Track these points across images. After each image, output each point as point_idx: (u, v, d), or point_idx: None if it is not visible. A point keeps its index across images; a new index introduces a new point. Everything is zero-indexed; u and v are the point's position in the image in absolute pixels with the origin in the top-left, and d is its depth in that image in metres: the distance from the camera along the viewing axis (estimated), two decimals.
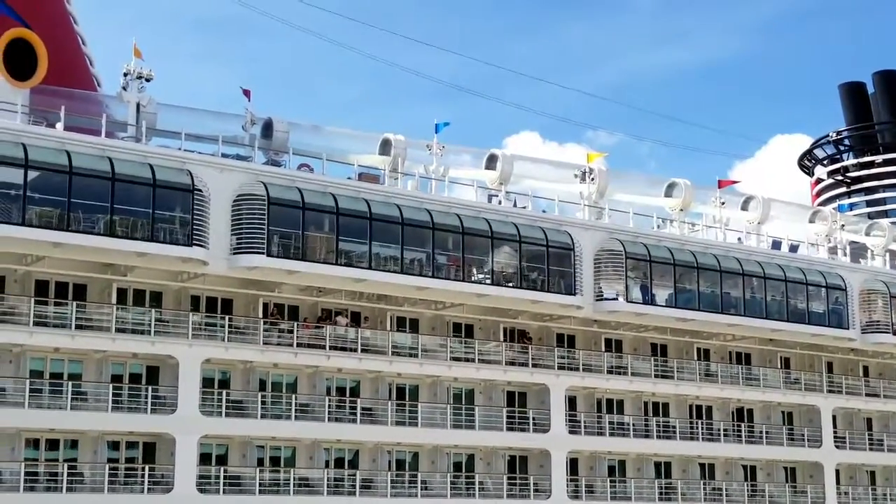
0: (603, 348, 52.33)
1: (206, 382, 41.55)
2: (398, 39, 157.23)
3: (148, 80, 41.50)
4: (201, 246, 39.59)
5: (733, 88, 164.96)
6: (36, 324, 37.93)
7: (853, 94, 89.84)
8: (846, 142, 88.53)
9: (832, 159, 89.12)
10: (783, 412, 58.33)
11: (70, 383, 38.64)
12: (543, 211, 51.02)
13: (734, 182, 59.68)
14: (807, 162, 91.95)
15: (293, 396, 43.42)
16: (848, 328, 57.79)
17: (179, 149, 41.07)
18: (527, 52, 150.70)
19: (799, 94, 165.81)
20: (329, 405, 43.71)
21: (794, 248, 59.36)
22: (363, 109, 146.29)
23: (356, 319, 46.16)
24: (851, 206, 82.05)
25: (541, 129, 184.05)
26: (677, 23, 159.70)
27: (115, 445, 40.11)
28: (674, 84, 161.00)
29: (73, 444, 39.45)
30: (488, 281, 46.87)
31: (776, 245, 58.67)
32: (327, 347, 43.76)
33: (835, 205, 79.74)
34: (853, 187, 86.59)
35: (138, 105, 41.75)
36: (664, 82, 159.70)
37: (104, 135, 39.61)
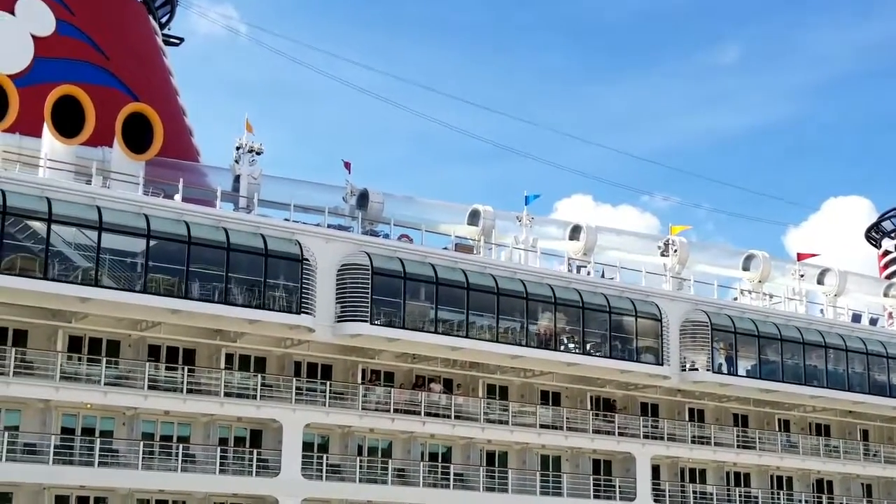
0: (687, 418, 52.77)
1: (306, 446, 42.38)
2: (446, 101, 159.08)
3: (259, 154, 43.13)
4: (308, 314, 40.79)
5: (782, 152, 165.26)
6: (149, 388, 39.13)
7: None
8: None
9: None
10: (863, 484, 58.34)
11: (180, 446, 39.71)
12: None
13: (814, 255, 60.06)
14: (874, 234, 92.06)
15: (388, 461, 44.19)
16: None
17: (286, 219, 42.45)
18: (573, 115, 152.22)
19: (850, 157, 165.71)
20: (423, 470, 44.41)
21: (873, 322, 59.66)
22: (410, 170, 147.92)
23: (448, 386, 47.03)
24: None
25: (593, 192, 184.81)
26: (724, 86, 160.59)
27: None
28: (723, 147, 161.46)
29: None
30: (578, 350, 47.57)
31: (856, 318, 59.00)
32: (422, 413, 44.59)
33: None
34: None
35: (242, 176, 43.31)
36: (713, 145, 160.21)
37: (217, 205, 41.14)
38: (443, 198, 49.98)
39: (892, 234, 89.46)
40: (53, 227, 36.39)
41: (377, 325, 42.28)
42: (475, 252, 47.62)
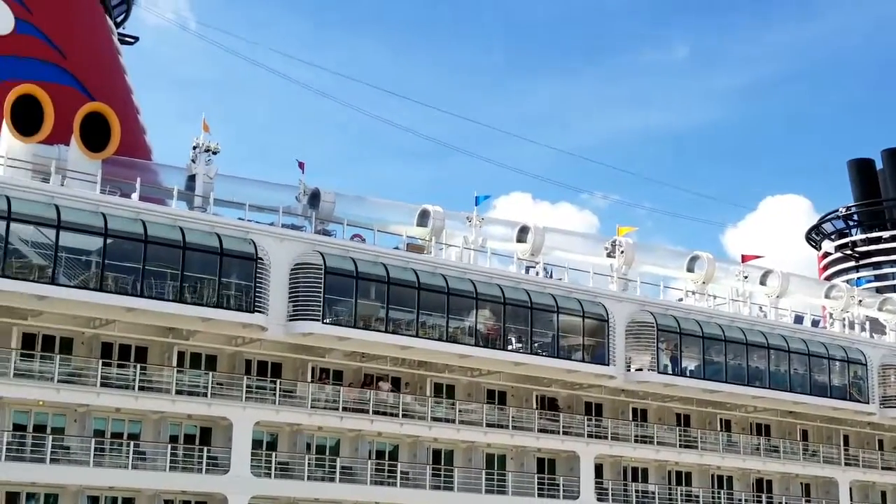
0: (630, 417, 53.81)
1: (255, 444, 42.72)
2: (387, 97, 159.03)
3: (215, 153, 43.48)
4: (261, 312, 41.25)
5: (720, 151, 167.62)
6: (101, 385, 39.35)
7: (862, 170, 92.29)
8: (855, 217, 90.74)
9: (840, 234, 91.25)
10: (802, 484, 59.66)
11: (131, 443, 39.98)
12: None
13: (758, 256, 61.34)
14: (814, 236, 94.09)
15: (336, 459, 44.72)
16: (867, 402, 59.29)
17: (240, 218, 42.86)
18: (511, 113, 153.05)
19: (787, 155, 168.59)
20: (370, 468, 45.03)
21: (815, 323, 61.06)
22: (350, 166, 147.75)
23: (397, 385, 47.66)
24: (862, 281, 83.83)
25: (532, 190, 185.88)
26: (664, 84, 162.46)
27: None
28: (662, 146, 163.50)
29: (131, 503, 40.64)
30: (525, 350, 48.37)
31: (798, 319, 60.35)
32: (370, 412, 45.18)
33: (846, 278, 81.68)
34: (861, 262, 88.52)
35: (198, 176, 43.61)
36: (653, 144, 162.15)
37: (171, 203, 41.41)
38: (385, 194, 50.58)
39: (833, 237, 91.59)
40: (12, 225, 36.55)
41: (328, 323, 42.81)
42: (426, 252, 48.27)
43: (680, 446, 54.04)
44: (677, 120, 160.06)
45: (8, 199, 36.77)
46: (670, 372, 52.32)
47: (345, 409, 44.65)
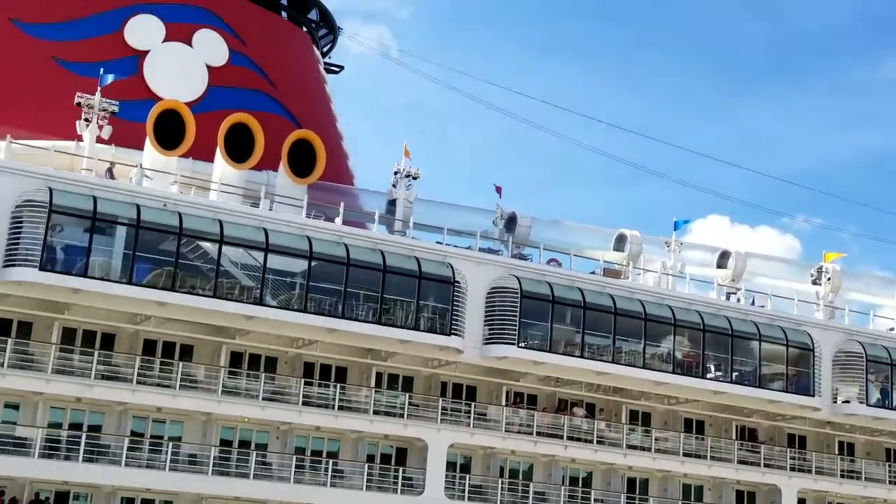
0: (836, 451, 51.78)
1: (449, 466, 43.03)
2: (582, 121, 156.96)
3: (415, 178, 44.41)
4: (458, 335, 41.68)
5: None
6: (303, 404, 40.54)
7: None
8: None
9: None
10: None
11: (330, 461, 40.98)
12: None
13: None
14: None
15: (530, 484, 44.62)
16: None
17: (438, 242, 43.53)
18: (711, 135, 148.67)
19: None
20: (564, 494, 44.73)
21: None
22: (545, 191, 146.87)
23: (591, 411, 47.27)
24: None
25: (730, 213, 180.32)
26: (874, 104, 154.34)
27: None
28: (870, 168, 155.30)
29: None
30: (725, 379, 47.19)
31: None
32: (564, 437, 44.92)
33: None
34: None
35: (398, 200, 44.61)
36: (860, 166, 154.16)
37: (371, 227, 42.48)
38: (580, 219, 50.49)
39: None
40: (224, 248, 38.23)
41: (523, 347, 42.88)
42: (623, 277, 47.80)
43: (890, 483, 51.85)
44: (886, 140, 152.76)
45: (220, 223, 38.46)
46: (880, 405, 50.16)
47: (539, 433, 44.56)
